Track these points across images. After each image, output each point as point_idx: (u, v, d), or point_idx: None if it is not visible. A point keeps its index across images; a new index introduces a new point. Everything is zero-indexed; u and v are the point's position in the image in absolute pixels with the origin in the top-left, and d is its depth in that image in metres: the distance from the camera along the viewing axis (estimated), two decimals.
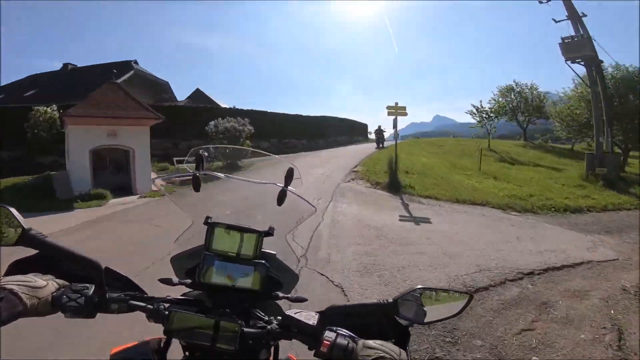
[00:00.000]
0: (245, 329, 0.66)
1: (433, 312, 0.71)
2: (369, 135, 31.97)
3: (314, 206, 0.98)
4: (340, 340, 0.64)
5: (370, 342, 0.64)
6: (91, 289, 0.63)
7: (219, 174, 0.95)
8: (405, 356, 0.64)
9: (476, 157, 14.68)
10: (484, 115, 22.73)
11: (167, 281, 0.78)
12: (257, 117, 17.92)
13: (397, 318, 0.71)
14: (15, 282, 0.56)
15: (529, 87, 26.84)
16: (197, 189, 0.88)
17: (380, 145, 18.88)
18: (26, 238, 0.63)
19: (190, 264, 0.83)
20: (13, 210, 0.64)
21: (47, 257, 0.68)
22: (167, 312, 0.66)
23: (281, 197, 0.88)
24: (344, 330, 0.67)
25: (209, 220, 0.80)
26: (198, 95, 27.66)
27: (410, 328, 0.74)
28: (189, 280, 0.80)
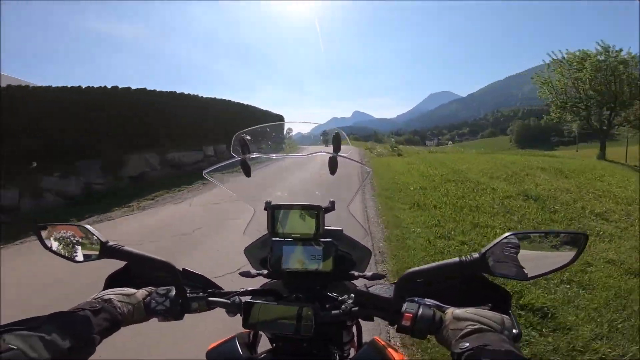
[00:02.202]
0: (320, 312, 0.63)
1: (535, 263, 0.56)
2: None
3: (367, 167, 0.90)
4: (424, 311, 0.56)
5: (461, 311, 0.54)
6: (173, 291, 0.65)
7: (268, 155, 0.91)
8: (511, 324, 0.52)
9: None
10: (566, 103, 15.17)
11: (246, 274, 0.81)
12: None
13: (488, 276, 0.60)
14: (111, 293, 0.60)
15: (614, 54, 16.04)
16: (247, 174, 0.85)
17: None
18: (106, 250, 0.64)
19: (262, 254, 0.83)
20: (89, 227, 0.66)
21: (134, 266, 0.71)
22: (243, 305, 0.65)
23: (332, 165, 0.80)
24: (426, 299, 0.60)
25: (268, 205, 0.77)
26: None
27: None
28: (265, 271, 0.81)
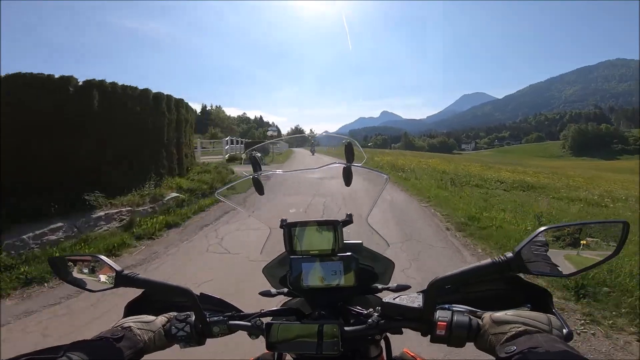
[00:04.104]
0: (346, 328, 0.61)
1: (573, 257, 0.55)
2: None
3: (384, 174, 0.87)
4: (458, 317, 0.55)
5: (500, 314, 0.52)
6: (192, 316, 0.64)
7: (278, 170, 0.91)
8: (559, 322, 0.51)
9: None
10: None
11: (266, 293, 0.80)
12: None
13: (523, 276, 0.59)
14: (131, 321, 0.60)
15: None
16: (260, 191, 0.85)
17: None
18: (120, 279, 0.64)
19: (281, 272, 0.81)
20: (103, 257, 0.68)
21: (152, 293, 0.71)
22: (265, 326, 0.64)
23: (347, 176, 0.79)
24: (458, 305, 0.59)
25: (284, 223, 0.76)
26: None
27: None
28: (285, 289, 0.79)
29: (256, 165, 0.83)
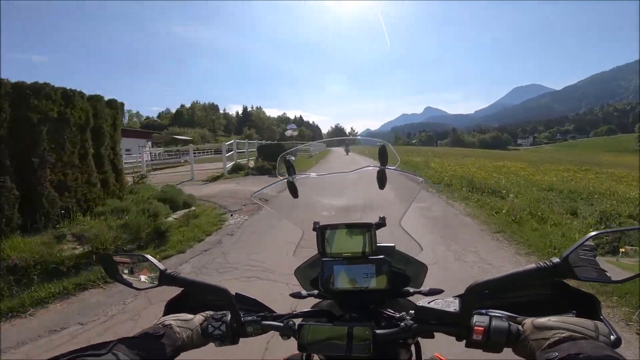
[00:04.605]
0: (377, 331, 0.61)
1: (624, 263, 0.54)
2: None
3: (419, 177, 0.90)
4: (496, 323, 0.54)
5: (543, 320, 0.51)
6: (228, 315, 0.66)
7: (312, 174, 0.95)
8: (606, 329, 0.50)
9: None
10: None
11: (297, 295, 0.81)
12: None
13: (566, 281, 0.59)
14: (171, 319, 0.62)
15: None
16: (295, 195, 0.87)
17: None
18: (164, 278, 0.67)
19: (312, 274, 0.83)
20: (149, 256, 0.70)
21: (190, 292, 0.73)
22: (297, 327, 0.64)
23: (381, 179, 0.81)
24: (495, 310, 0.58)
25: (317, 226, 0.78)
26: None
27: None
28: (316, 291, 0.80)
29: (290, 168, 0.85)
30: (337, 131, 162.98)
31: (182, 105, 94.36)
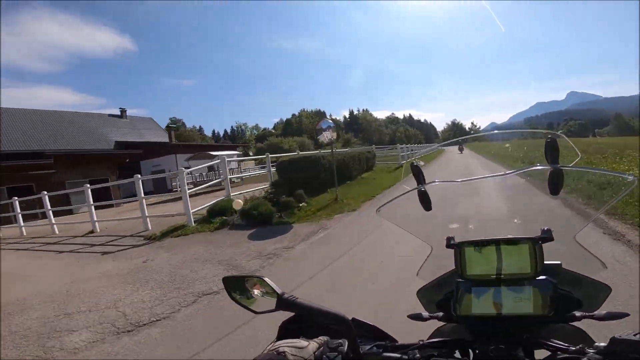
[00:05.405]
0: None
1: None
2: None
3: (628, 176, 0.63)
4: None
5: None
6: (345, 344, 0.61)
7: (450, 180, 0.80)
8: None
9: None
10: None
11: (417, 316, 0.73)
12: None
13: None
14: (285, 345, 0.59)
15: None
16: (427, 207, 0.78)
17: None
18: (281, 302, 0.65)
19: (439, 295, 0.75)
20: (267, 279, 0.68)
21: (305, 316, 0.68)
22: None
23: (555, 182, 0.65)
24: None
25: (453, 242, 0.70)
26: None
27: None
28: (440, 314, 0.71)
29: (420, 176, 0.77)
30: (454, 128, 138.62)
31: (293, 115, 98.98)
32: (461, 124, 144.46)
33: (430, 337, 0.69)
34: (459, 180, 0.79)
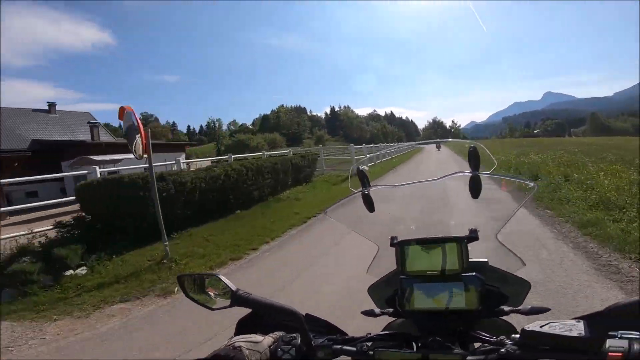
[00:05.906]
0: (470, 358, 0.54)
1: None
2: None
3: (530, 182, 0.75)
4: (638, 346, 0.45)
5: None
6: (298, 338, 0.62)
7: (391, 185, 0.89)
8: None
9: None
10: None
11: (369, 313, 0.76)
12: None
13: None
14: (241, 340, 0.61)
15: None
16: (371, 208, 0.82)
17: None
18: (236, 299, 0.66)
19: (388, 292, 0.77)
20: (222, 276, 0.70)
21: (259, 313, 0.69)
22: (373, 353, 0.59)
23: (475, 187, 0.73)
24: (631, 332, 0.48)
25: (395, 241, 0.73)
26: None
27: None
28: (390, 310, 0.75)
29: (365, 180, 0.80)
30: (435, 126, 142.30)
31: (272, 111, 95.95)
32: (442, 121, 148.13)
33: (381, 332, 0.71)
34: (397, 184, 0.89)
